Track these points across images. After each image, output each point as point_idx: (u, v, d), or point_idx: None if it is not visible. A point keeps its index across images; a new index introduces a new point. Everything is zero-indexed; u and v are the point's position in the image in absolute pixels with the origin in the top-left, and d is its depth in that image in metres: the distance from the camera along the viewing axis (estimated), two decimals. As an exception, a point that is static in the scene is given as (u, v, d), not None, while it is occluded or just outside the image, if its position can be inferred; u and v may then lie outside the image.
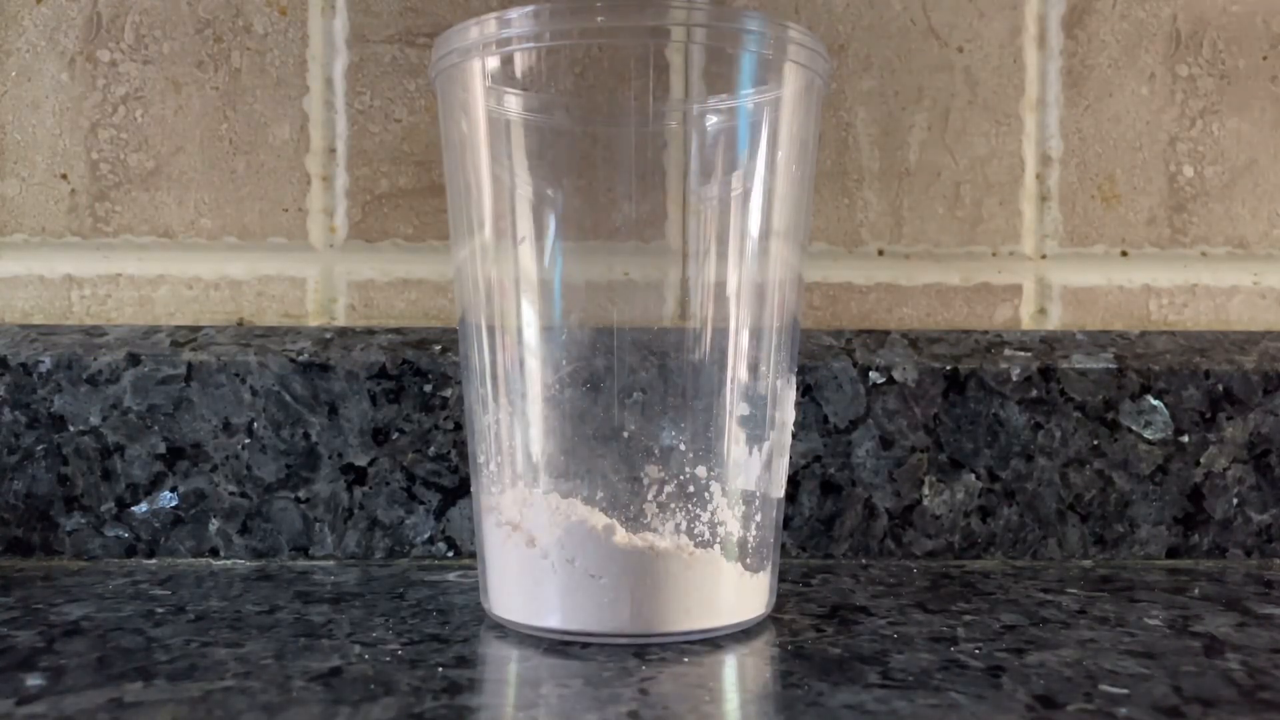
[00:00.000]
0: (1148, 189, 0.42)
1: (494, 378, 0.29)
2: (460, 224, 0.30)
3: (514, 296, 0.28)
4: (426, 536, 0.38)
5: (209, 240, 0.41)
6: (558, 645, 0.27)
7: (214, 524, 0.38)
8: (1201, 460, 0.39)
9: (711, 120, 0.29)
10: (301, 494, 0.38)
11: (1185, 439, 0.39)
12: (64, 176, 0.41)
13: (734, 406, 0.28)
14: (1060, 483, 0.39)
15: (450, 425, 0.38)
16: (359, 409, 0.38)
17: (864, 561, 0.39)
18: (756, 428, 0.29)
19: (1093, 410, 0.39)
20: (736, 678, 0.26)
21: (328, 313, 0.41)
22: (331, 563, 0.38)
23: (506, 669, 0.26)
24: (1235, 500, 0.39)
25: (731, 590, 0.28)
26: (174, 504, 0.38)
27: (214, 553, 0.38)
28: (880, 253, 0.42)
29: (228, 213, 0.41)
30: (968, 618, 0.30)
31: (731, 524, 0.28)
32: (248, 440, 0.38)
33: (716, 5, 0.29)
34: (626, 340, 0.28)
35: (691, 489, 0.28)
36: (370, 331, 0.40)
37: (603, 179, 0.28)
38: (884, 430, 0.39)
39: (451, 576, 0.35)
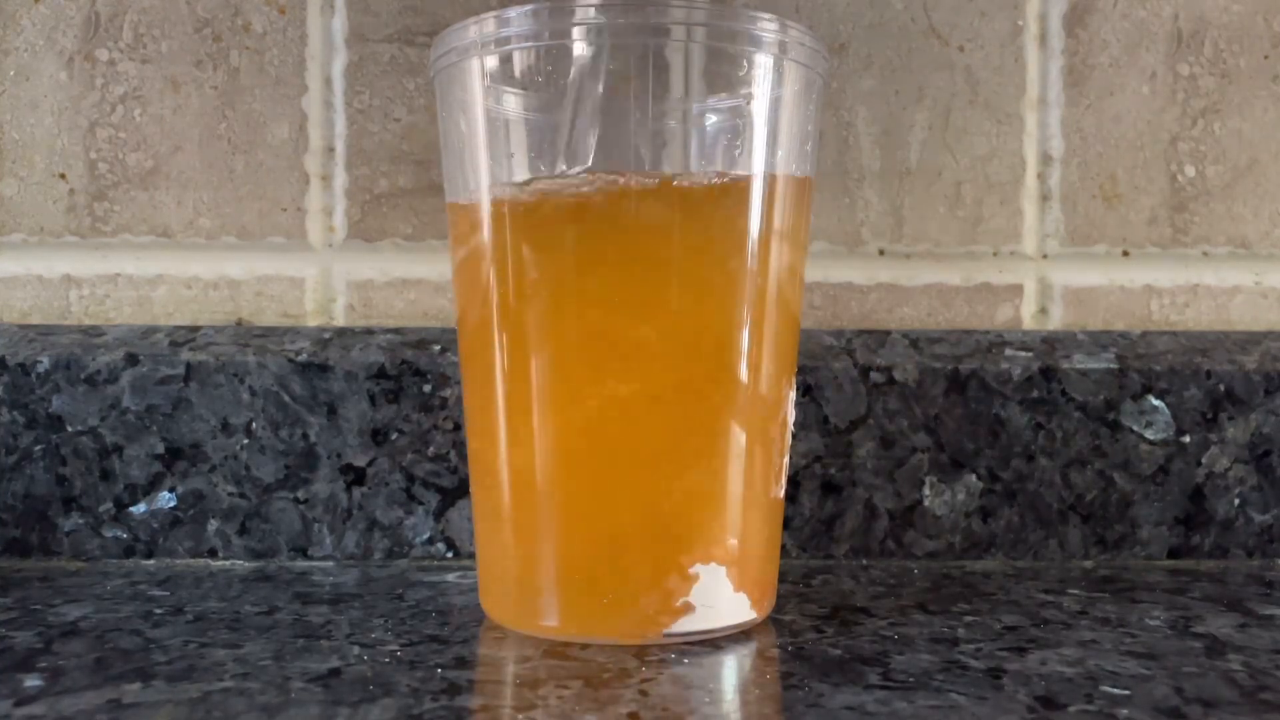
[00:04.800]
0: (1149, 188, 0.42)
1: (493, 378, 0.29)
2: (459, 223, 0.30)
3: (513, 299, 0.28)
4: (426, 537, 0.38)
5: (207, 240, 0.41)
6: (557, 646, 0.27)
7: (212, 524, 0.38)
8: (1203, 460, 0.39)
9: (711, 120, 0.29)
10: (300, 494, 0.38)
11: (1187, 439, 0.39)
12: (62, 176, 0.41)
13: (734, 407, 0.28)
14: (1061, 483, 0.39)
15: (449, 425, 0.38)
16: (358, 409, 0.38)
17: (864, 562, 0.38)
18: (757, 428, 0.28)
19: (1094, 410, 0.39)
20: (736, 678, 0.26)
21: (326, 313, 0.41)
22: (330, 563, 0.38)
23: (505, 670, 0.26)
24: (1237, 501, 0.39)
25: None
26: (172, 504, 0.38)
27: (212, 553, 0.38)
28: (881, 252, 0.42)
29: (226, 212, 0.41)
30: (968, 619, 0.30)
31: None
32: (246, 440, 0.38)
33: (716, 5, 0.29)
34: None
35: (691, 489, 0.27)
36: (369, 331, 0.40)
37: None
38: (884, 430, 0.39)
39: (451, 577, 0.35)
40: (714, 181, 0.27)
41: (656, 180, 0.27)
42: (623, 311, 0.27)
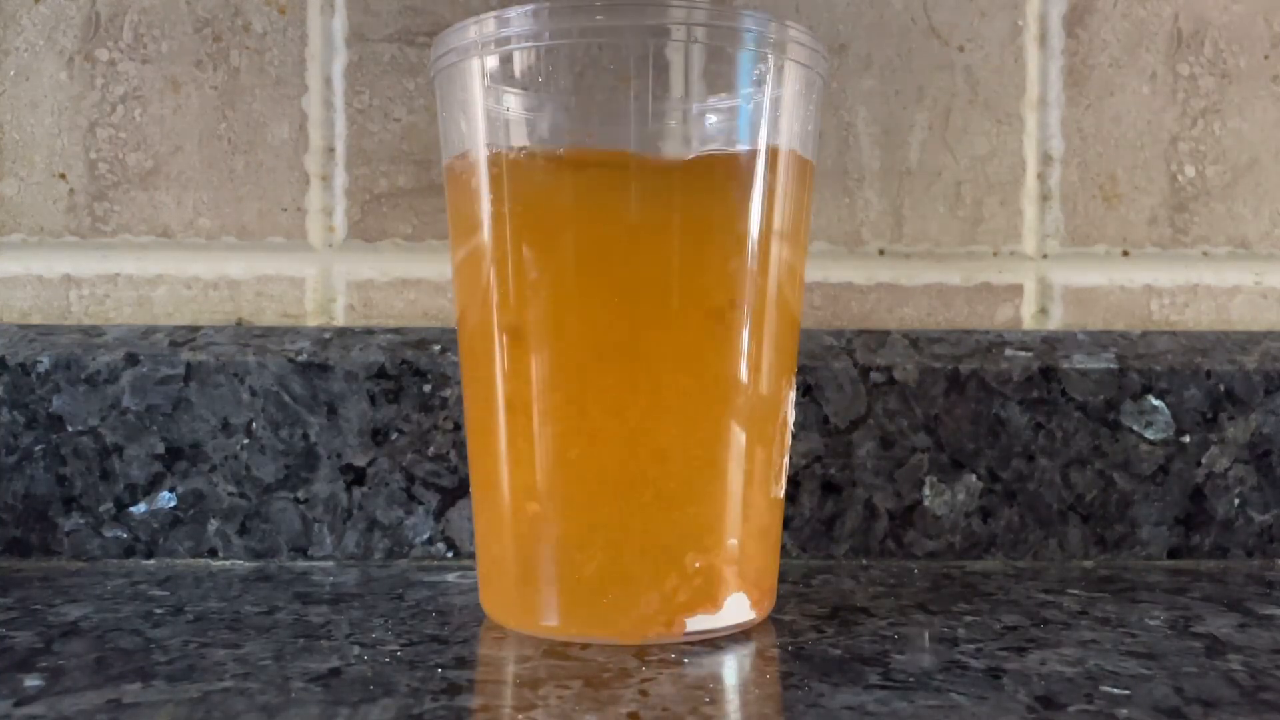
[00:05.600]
0: (1149, 188, 0.42)
1: (493, 378, 0.29)
2: (459, 223, 0.30)
3: (513, 297, 0.28)
4: (426, 537, 0.38)
5: (207, 240, 0.41)
6: (557, 646, 0.27)
7: (213, 524, 0.38)
8: (1203, 460, 0.39)
9: (711, 120, 0.29)
10: (300, 494, 0.38)
11: (1187, 439, 0.39)
12: (62, 176, 0.41)
13: (734, 407, 0.28)
14: (1061, 483, 0.39)
15: (450, 425, 0.38)
16: (358, 409, 0.38)
17: (864, 562, 0.38)
18: (757, 428, 0.28)
19: (1094, 410, 0.39)
20: (736, 678, 0.26)
21: (326, 313, 0.41)
22: (330, 563, 0.38)
23: (505, 670, 0.26)
24: (1237, 500, 0.39)
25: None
26: (173, 504, 0.38)
27: (213, 553, 0.38)
28: (881, 252, 0.42)
29: (226, 212, 0.41)
30: (969, 618, 0.30)
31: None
32: (246, 440, 0.38)
33: (716, 5, 0.29)
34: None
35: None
36: (369, 331, 0.40)
37: (602, 178, 0.27)
38: (884, 430, 0.39)
39: (451, 577, 0.35)
40: (713, 151, 0.27)
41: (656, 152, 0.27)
42: (622, 312, 0.27)
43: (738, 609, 0.28)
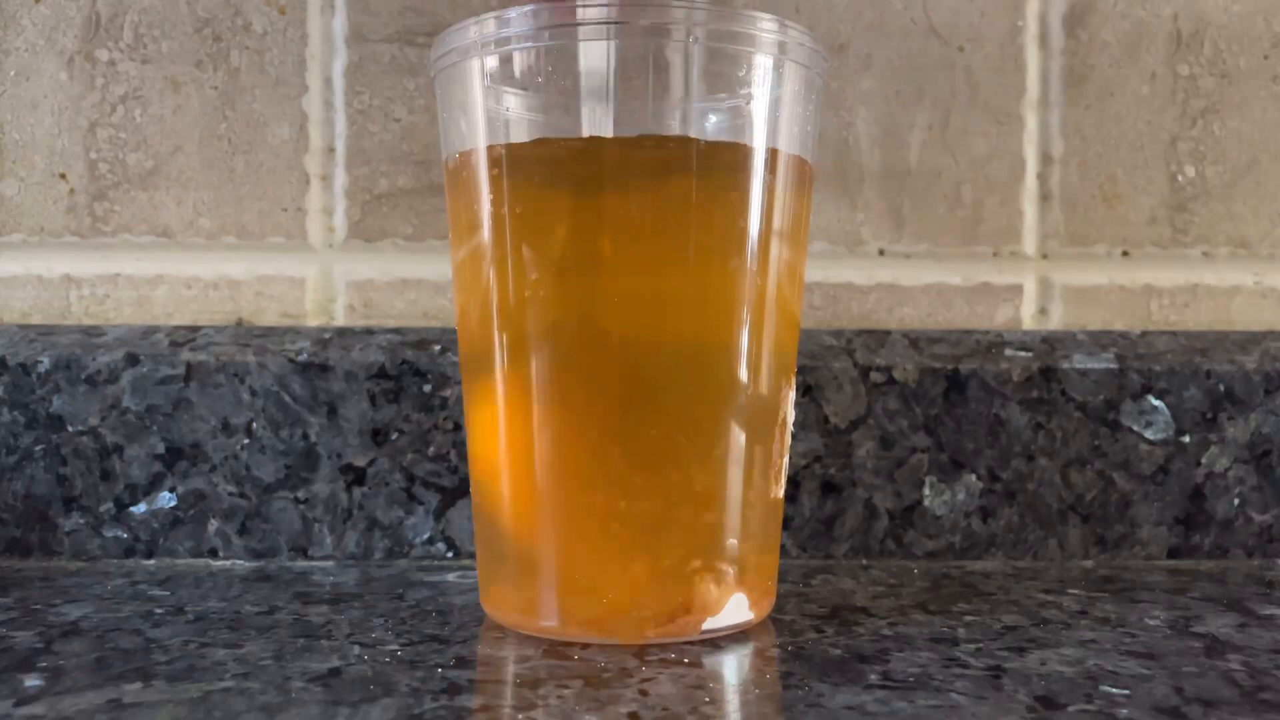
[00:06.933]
0: (1149, 189, 0.42)
1: (493, 378, 0.29)
2: (459, 224, 0.30)
3: (513, 297, 0.28)
4: (426, 537, 0.38)
5: (208, 240, 0.41)
6: (557, 646, 0.27)
7: (213, 524, 0.38)
8: (1203, 460, 0.39)
9: (711, 120, 0.29)
10: (300, 494, 0.38)
11: (1186, 439, 0.39)
12: (63, 176, 0.41)
13: (734, 407, 0.28)
14: (1061, 483, 0.39)
15: (450, 425, 0.38)
16: (358, 409, 0.38)
17: (864, 562, 0.38)
18: (757, 428, 0.28)
19: (1094, 410, 0.39)
20: (736, 678, 0.26)
21: (326, 313, 0.41)
22: (331, 563, 0.38)
23: (505, 670, 0.26)
24: (1236, 500, 0.39)
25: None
26: (173, 504, 0.38)
27: (213, 553, 0.38)
28: (881, 252, 0.42)
29: (226, 212, 0.41)
30: (968, 618, 0.30)
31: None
32: (246, 440, 0.38)
33: (716, 5, 0.29)
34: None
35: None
36: (369, 331, 0.40)
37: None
38: (884, 430, 0.39)
39: (451, 577, 0.35)
40: (714, 140, 0.27)
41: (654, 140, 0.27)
42: (621, 312, 0.27)
43: (737, 609, 0.28)
